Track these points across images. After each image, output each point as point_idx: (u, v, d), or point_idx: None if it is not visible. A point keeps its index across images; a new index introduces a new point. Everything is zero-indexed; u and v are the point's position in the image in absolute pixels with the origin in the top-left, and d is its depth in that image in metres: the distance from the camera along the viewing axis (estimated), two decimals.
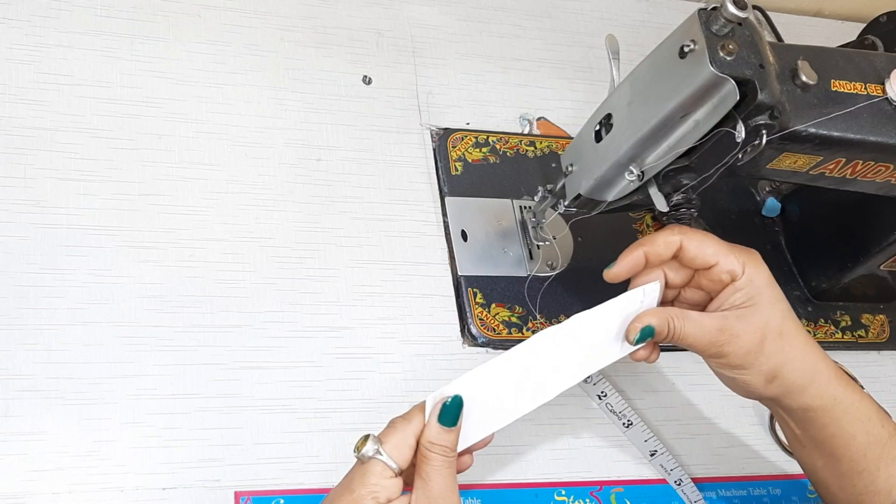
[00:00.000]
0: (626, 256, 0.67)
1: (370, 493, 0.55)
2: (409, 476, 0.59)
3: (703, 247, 0.66)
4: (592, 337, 0.66)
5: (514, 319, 0.79)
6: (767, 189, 0.94)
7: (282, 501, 0.68)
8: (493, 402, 0.62)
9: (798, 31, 1.08)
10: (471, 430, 0.61)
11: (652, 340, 0.67)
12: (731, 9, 0.61)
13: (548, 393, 0.64)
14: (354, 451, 0.57)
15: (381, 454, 0.56)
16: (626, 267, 0.67)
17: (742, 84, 0.63)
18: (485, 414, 0.61)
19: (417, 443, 0.58)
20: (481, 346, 0.78)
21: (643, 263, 0.67)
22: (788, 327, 0.66)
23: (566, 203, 0.76)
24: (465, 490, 0.72)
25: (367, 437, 0.57)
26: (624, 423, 0.77)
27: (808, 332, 0.87)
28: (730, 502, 0.77)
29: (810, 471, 0.71)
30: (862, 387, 0.77)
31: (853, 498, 0.68)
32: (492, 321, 0.79)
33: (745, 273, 0.65)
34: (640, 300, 0.66)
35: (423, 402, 0.59)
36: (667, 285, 0.68)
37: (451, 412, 0.58)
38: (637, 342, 0.66)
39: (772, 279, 0.66)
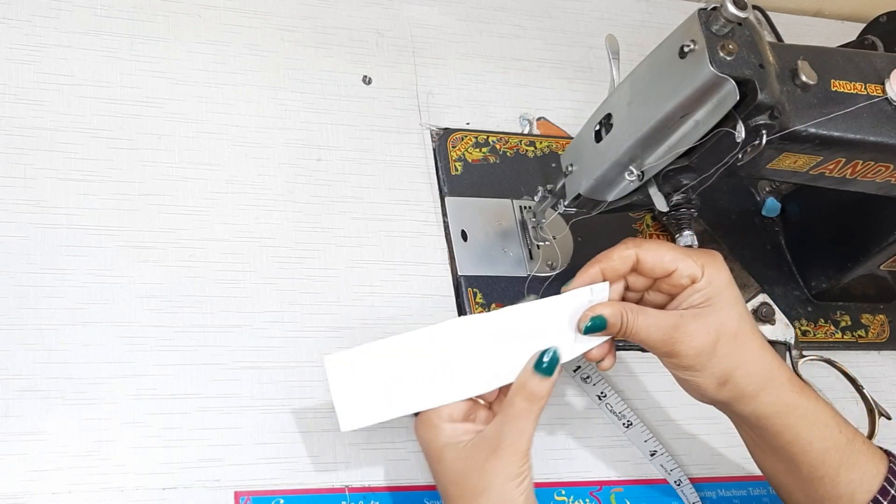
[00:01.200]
0: (583, 274, 0.67)
1: (436, 410, 0.61)
2: None
3: (660, 255, 0.66)
4: (534, 331, 0.65)
5: None
6: (767, 189, 0.94)
7: (282, 501, 0.68)
8: (405, 382, 0.62)
9: (798, 31, 1.08)
10: (377, 405, 0.62)
11: (606, 336, 0.66)
12: (731, 9, 0.61)
13: (479, 384, 0.64)
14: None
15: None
16: (583, 284, 0.67)
17: (742, 84, 0.63)
18: (392, 392, 0.62)
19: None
20: None
21: (600, 280, 0.67)
22: (744, 330, 0.66)
23: (566, 203, 0.76)
24: None
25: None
26: (624, 424, 0.77)
27: (809, 331, 0.88)
28: (729, 502, 0.77)
29: (771, 475, 0.70)
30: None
31: (816, 503, 0.67)
32: None
33: (705, 275, 0.65)
34: (588, 299, 0.66)
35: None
36: (628, 289, 0.68)
37: (549, 363, 0.62)
38: (587, 331, 0.65)
39: (732, 282, 0.66)
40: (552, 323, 0.65)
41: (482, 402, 0.62)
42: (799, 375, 0.80)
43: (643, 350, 0.82)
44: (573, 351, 0.66)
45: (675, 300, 0.66)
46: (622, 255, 0.66)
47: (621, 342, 0.69)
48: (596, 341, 0.66)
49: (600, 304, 0.66)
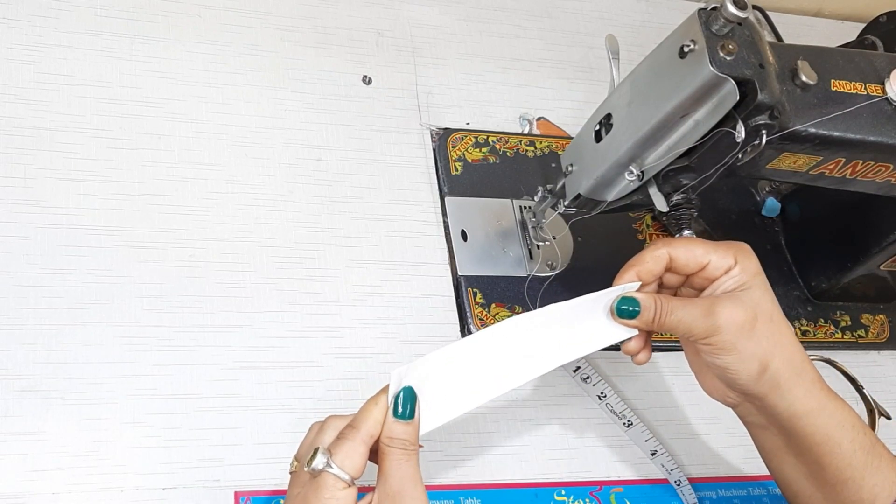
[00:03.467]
0: (619, 280, 0.66)
1: None
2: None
3: (692, 251, 0.66)
4: (569, 326, 0.65)
5: None
6: (767, 189, 0.94)
7: (282, 501, 0.68)
8: (456, 387, 0.61)
9: (798, 31, 1.08)
10: (434, 414, 0.60)
11: (641, 327, 0.66)
12: (731, 9, 0.61)
13: (518, 378, 0.64)
14: (305, 466, 0.56)
15: (331, 467, 0.56)
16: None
17: (742, 84, 0.63)
18: (448, 398, 0.61)
19: (376, 441, 0.58)
20: None
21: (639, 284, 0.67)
22: (778, 315, 0.65)
23: (566, 203, 0.76)
24: (465, 490, 0.72)
25: (316, 451, 0.56)
26: (624, 423, 0.77)
27: (809, 331, 0.88)
28: (729, 502, 0.77)
29: (791, 481, 0.69)
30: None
31: None
32: (492, 321, 0.79)
33: (738, 263, 0.65)
34: (619, 295, 0.66)
35: (370, 400, 0.59)
36: (661, 287, 0.68)
37: (405, 405, 0.58)
38: (618, 314, 0.65)
39: (761, 270, 0.66)
40: (586, 318, 0.65)
41: (354, 482, 0.57)
42: None
43: (658, 329, 0.82)
44: (606, 339, 0.66)
45: (707, 289, 0.66)
46: (654, 256, 0.66)
47: (615, 343, 0.69)
48: (628, 333, 0.66)
49: (634, 292, 0.66)
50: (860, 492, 0.65)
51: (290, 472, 0.60)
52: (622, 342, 0.68)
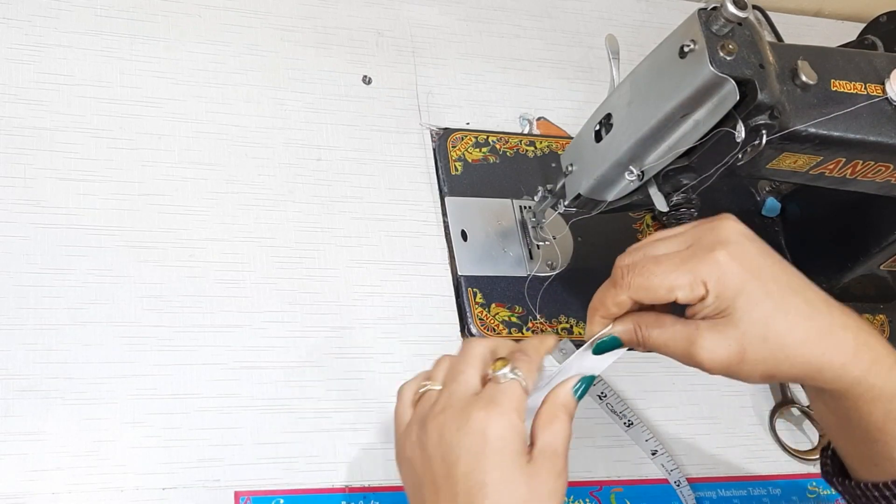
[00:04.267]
0: (591, 328, 0.63)
1: (515, 407, 0.56)
2: None
3: (654, 292, 0.59)
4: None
5: (514, 319, 0.79)
6: (767, 189, 0.94)
7: (282, 501, 0.68)
8: None
9: (798, 31, 1.08)
10: None
11: (623, 351, 0.63)
12: (731, 9, 0.61)
13: None
14: (490, 371, 0.58)
15: (519, 377, 0.57)
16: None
17: (742, 84, 0.63)
18: None
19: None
20: None
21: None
22: (775, 330, 0.58)
23: (566, 203, 0.76)
24: None
25: (502, 360, 0.58)
26: (625, 423, 0.77)
27: None
28: (729, 502, 0.77)
29: (824, 423, 0.65)
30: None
31: (868, 459, 0.62)
32: (492, 321, 0.79)
33: (710, 292, 0.57)
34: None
35: (536, 337, 0.61)
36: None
37: (585, 388, 0.60)
38: (598, 352, 0.62)
39: (748, 279, 0.57)
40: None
41: None
42: None
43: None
44: (599, 369, 0.64)
45: (689, 309, 0.60)
46: (617, 303, 0.61)
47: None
48: (615, 356, 0.63)
49: (615, 323, 0.61)
50: (891, 451, 0.60)
51: (398, 392, 0.61)
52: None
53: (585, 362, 0.62)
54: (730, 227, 0.59)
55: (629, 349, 0.63)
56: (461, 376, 0.59)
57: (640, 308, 0.62)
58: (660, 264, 0.59)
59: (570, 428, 0.59)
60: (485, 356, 0.60)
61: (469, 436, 0.55)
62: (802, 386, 0.67)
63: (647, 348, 0.62)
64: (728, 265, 0.57)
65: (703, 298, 0.58)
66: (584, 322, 0.70)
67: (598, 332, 0.62)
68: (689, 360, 0.60)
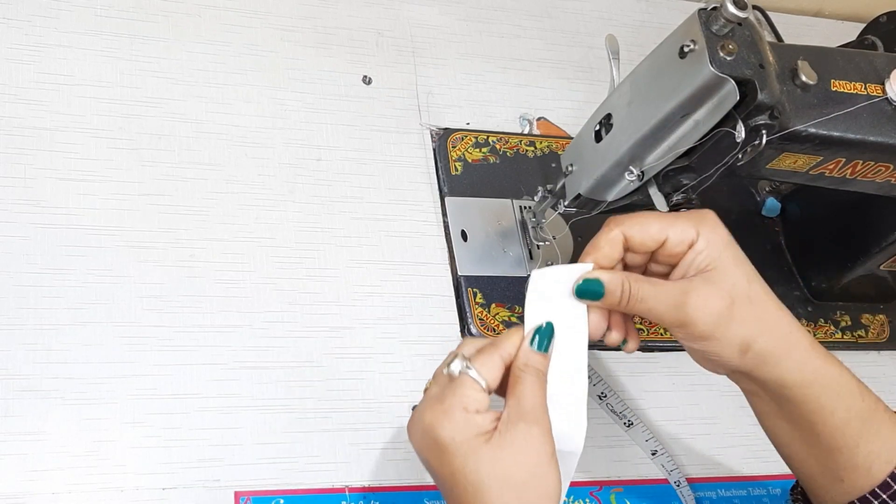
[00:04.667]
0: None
1: (460, 402, 0.56)
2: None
3: (646, 228, 0.61)
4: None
5: (513, 319, 0.79)
6: (767, 189, 0.94)
7: (282, 501, 0.68)
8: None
9: (798, 31, 1.08)
10: (564, 367, 0.61)
11: (606, 308, 0.62)
12: (731, 9, 0.61)
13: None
14: (444, 368, 0.58)
15: (469, 369, 0.57)
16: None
17: (742, 84, 0.63)
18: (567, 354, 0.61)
19: (508, 368, 0.59)
20: None
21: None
22: (756, 291, 0.61)
23: (566, 203, 0.76)
24: None
25: (455, 356, 0.58)
26: (625, 423, 0.78)
27: (809, 331, 0.88)
28: (729, 502, 0.77)
29: (784, 444, 0.66)
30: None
31: (832, 474, 0.64)
32: (492, 321, 0.79)
33: (701, 236, 0.61)
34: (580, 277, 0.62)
35: (512, 328, 0.60)
36: (625, 267, 0.64)
37: (542, 338, 0.60)
38: (580, 295, 0.61)
39: (731, 240, 0.62)
40: (550, 303, 0.62)
41: (489, 391, 0.59)
42: None
43: (643, 350, 0.82)
44: (576, 329, 0.62)
45: (677, 269, 0.62)
46: (609, 239, 0.62)
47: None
48: (580, 313, 0.62)
49: (598, 271, 0.61)
50: (854, 458, 0.63)
51: (424, 391, 0.61)
52: (606, 334, 0.64)
53: (551, 305, 0.61)
54: (711, 211, 0.63)
55: (600, 340, 0.63)
56: (436, 377, 0.60)
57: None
58: (653, 213, 0.63)
59: (539, 383, 0.58)
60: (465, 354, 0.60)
61: (424, 438, 0.58)
62: (758, 411, 0.67)
63: (633, 304, 0.61)
64: (716, 222, 0.62)
65: (691, 246, 0.61)
66: None
67: (585, 268, 0.61)
68: (680, 315, 0.60)
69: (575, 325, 0.61)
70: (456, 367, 0.57)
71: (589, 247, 0.63)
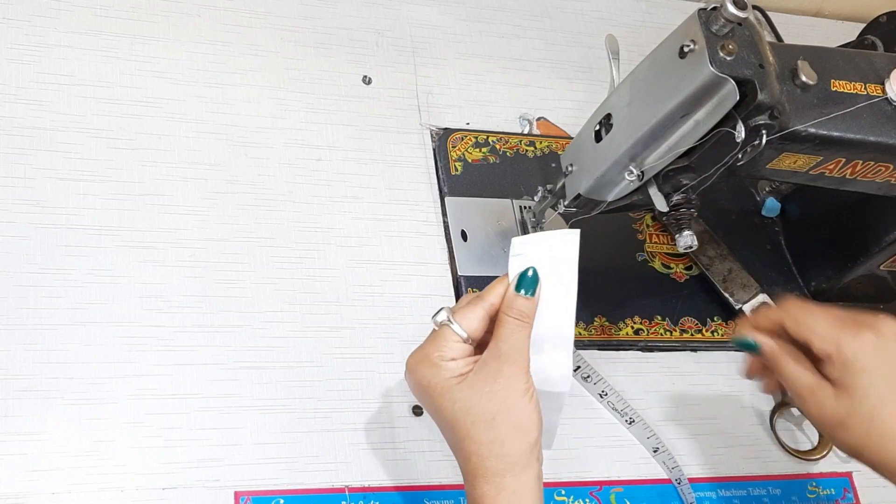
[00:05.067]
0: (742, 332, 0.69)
1: (437, 351, 0.63)
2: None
3: (800, 321, 0.66)
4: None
5: None
6: (767, 189, 0.94)
7: (282, 501, 0.68)
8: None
9: (798, 31, 1.08)
10: (553, 316, 0.64)
11: (760, 361, 0.68)
12: (731, 9, 0.61)
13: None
14: (431, 320, 0.64)
15: (451, 322, 0.63)
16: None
17: (742, 84, 0.63)
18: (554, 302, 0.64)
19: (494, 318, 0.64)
20: None
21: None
22: (881, 416, 0.64)
23: (566, 203, 0.76)
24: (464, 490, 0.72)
25: (441, 309, 0.64)
26: (626, 421, 0.78)
27: None
28: (729, 502, 0.77)
29: None
30: None
31: None
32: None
33: (839, 358, 0.64)
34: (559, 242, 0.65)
35: (494, 281, 0.64)
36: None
37: (528, 282, 0.63)
38: (737, 344, 0.68)
39: (875, 366, 0.64)
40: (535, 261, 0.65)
41: (470, 341, 0.64)
42: None
43: (643, 350, 0.82)
44: (563, 282, 0.65)
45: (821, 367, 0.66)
46: (768, 317, 0.68)
47: (615, 343, 0.69)
48: (570, 254, 0.65)
49: (760, 333, 0.67)
50: None
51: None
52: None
53: (536, 262, 0.64)
54: (888, 322, 0.66)
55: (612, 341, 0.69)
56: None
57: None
58: (818, 310, 0.67)
59: (521, 326, 0.62)
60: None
61: (409, 381, 0.65)
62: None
63: (775, 367, 0.67)
64: (866, 345, 0.64)
65: (829, 357, 0.65)
66: (583, 321, 0.71)
67: (567, 233, 0.65)
68: (801, 402, 0.66)
69: (562, 278, 0.64)
70: (439, 317, 0.63)
71: (756, 316, 0.70)
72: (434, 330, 0.64)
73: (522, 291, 0.63)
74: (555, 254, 0.64)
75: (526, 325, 0.62)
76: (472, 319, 0.63)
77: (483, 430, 0.61)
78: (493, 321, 0.64)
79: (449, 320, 0.63)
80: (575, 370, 0.77)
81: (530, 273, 0.63)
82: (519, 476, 0.60)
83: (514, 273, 0.64)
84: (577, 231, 0.63)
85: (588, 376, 0.77)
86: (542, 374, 0.64)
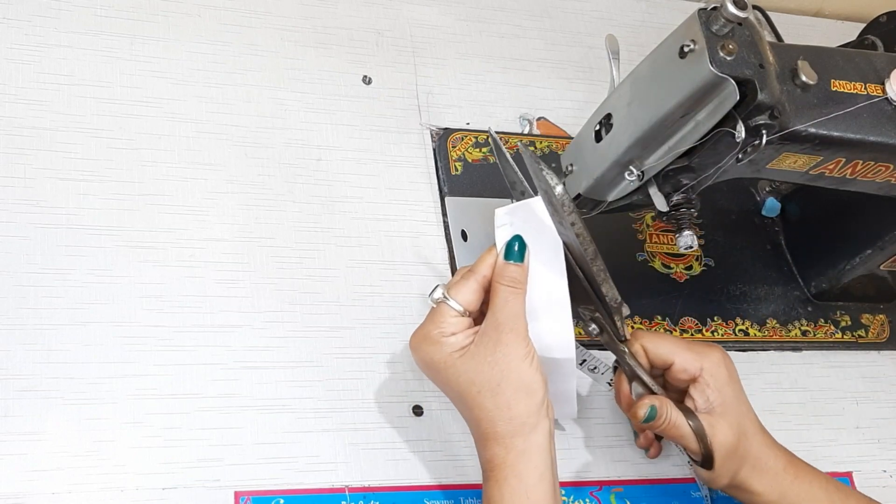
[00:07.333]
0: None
1: (437, 328, 0.65)
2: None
3: (658, 346, 0.70)
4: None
5: None
6: (767, 189, 0.94)
7: (282, 501, 0.68)
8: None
9: (798, 31, 1.08)
10: (546, 279, 0.66)
11: (650, 427, 0.70)
12: (731, 9, 0.61)
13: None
14: (428, 298, 0.67)
15: (446, 298, 0.65)
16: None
17: (742, 84, 0.63)
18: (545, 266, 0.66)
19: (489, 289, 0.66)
20: None
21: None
22: (750, 428, 0.70)
23: None
24: (465, 490, 0.72)
25: (437, 286, 0.66)
26: (590, 369, 0.78)
27: (809, 331, 0.88)
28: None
29: None
30: None
31: None
32: None
33: (705, 371, 0.69)
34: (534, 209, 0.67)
35: (483, 253, 0.67)
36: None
37: (515, 249, 0.66)
38: (644, 420, 0.69)
39: (732, 377, 0.70)
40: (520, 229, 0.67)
41: (467, 313, 0.66)
42: None
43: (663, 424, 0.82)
44: (550, 246, 0.67)
45: (695, 399, 0.70)
46: (634, 351, 0.71)
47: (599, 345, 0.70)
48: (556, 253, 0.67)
49: (653, 397, 0.69)
50: None
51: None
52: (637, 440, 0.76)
53: (522, 230, 0.66)
54: (718, 347, 0.72)
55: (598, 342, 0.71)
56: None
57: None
58: (669, 337, 0.73)
59: (514, 293, 0.64)
60: None
61: (415, 358, 0.67)
62: None
63: (668, 426, 0.69)
64: (720, 359, 0.70)
65: (694, 379, 0.69)
66: (583, 320, 0.71)
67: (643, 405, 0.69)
68: (703, 442, 0.68)
69: (547, 242, 0.66)
70: (436, 294, 0.66)
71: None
72: (432, 308, 0.66)
73: (511, 259, 0.65)
74: (538, 220, 0.66)
75: (519, 291, 0.64)
76: (467, 293, 0.65)
77: (489, 397, 0.63)
78: (487, 292, 0.65)
79: (444, 296, 0.65)
80: (581, 363, 0.76)
81: (517, 241, 0.65)
82: (528, 436, 0.63)
83: (501, 243, 0.66)
84: (539, 197, 0.66)
85: (595, 367, 0.77)
86: (541, 342, 0.66)
